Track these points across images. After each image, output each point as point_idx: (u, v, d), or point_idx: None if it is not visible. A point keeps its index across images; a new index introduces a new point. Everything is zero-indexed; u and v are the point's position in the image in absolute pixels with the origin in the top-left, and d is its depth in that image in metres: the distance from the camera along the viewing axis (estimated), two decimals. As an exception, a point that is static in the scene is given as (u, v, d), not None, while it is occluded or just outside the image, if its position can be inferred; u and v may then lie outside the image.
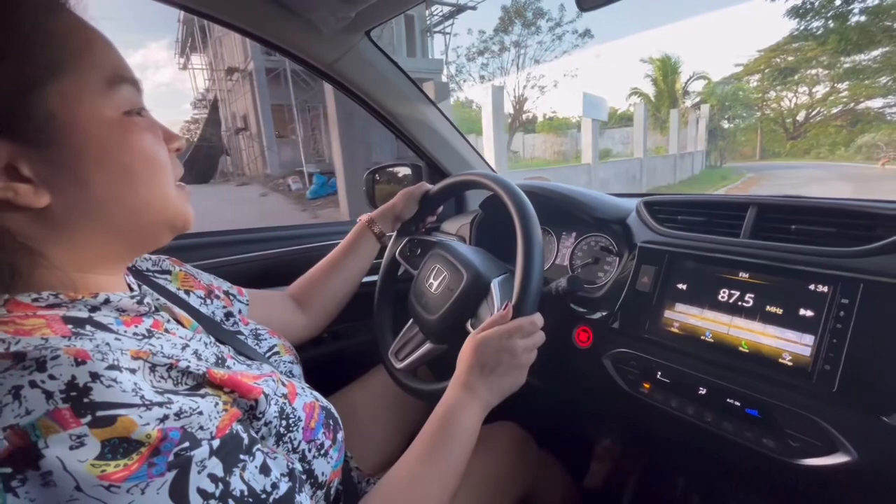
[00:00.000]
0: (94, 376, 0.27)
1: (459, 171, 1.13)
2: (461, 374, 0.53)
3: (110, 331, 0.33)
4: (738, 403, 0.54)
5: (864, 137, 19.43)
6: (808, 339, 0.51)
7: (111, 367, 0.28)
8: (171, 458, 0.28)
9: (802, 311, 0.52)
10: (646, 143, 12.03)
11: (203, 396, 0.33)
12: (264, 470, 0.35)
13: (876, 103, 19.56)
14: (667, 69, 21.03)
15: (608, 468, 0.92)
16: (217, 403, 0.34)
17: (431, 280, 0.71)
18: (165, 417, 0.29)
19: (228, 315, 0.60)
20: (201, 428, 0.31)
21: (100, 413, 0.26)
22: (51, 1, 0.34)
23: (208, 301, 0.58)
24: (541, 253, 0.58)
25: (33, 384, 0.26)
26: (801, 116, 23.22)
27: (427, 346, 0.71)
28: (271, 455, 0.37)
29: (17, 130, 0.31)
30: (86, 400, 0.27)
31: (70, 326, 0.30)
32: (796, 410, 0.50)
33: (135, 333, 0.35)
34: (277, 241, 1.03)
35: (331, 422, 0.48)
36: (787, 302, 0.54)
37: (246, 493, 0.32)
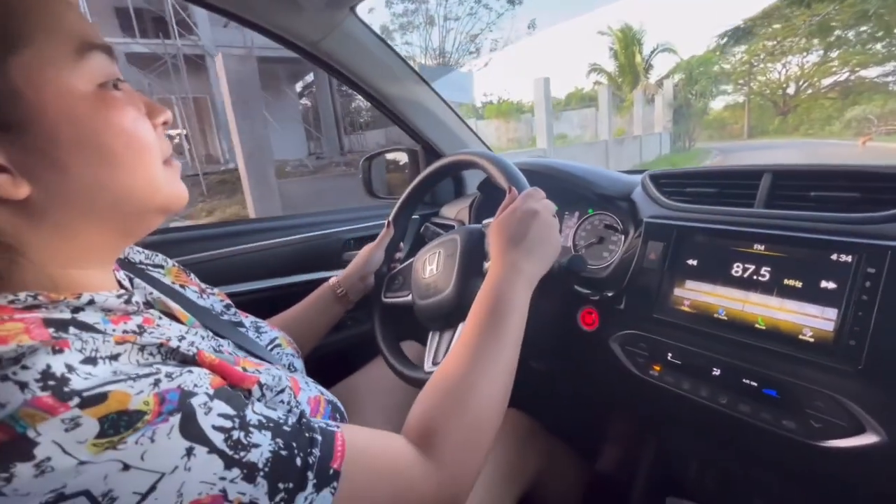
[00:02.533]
0: (70, 368, 0.25)
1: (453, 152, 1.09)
2: (496, 256, 0.50)
3: (96, 330, 0.30)
4: (754, 384, 0.51)
5: (854, 110, 17.61)
6: (831, 312, 0.47)
7: (87, 361, 0.27)
8: (174, 406, 0.27)
9: (824, 284, 0.48)
10: (611, 124, 11.54)
11: (191, 372, 0.31)
12: (270, 409, 0.33)
13: (871, 72, 17.84)
14: (627, 41, 18.65)
15: (619, 453, 0.90)
16: (208, 375, 0.32)
17: (429, 267, 0.68)
18: (157, 381, 0.28)
19: (228, 306, 0.57)
20: (196, 385, 0.29)
21: (87, 394, 0.25)
22: None
23: (204, 296, 0.56)
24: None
25: (4, 378, 0.24)
26: (791, 90, 21.41)
27: (459, 328, 0.63)
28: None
29: None
30: (66, 388, 0.25)
31: (51, 330, 0.28)
32: (818, 389, 0.47)
33: (124, 331, 0.33)
34: (273, 231, 1.00)
35: (337, 415, 0.46)
36: (807, 274, 0.50)
37: (263, 420, 0.31)
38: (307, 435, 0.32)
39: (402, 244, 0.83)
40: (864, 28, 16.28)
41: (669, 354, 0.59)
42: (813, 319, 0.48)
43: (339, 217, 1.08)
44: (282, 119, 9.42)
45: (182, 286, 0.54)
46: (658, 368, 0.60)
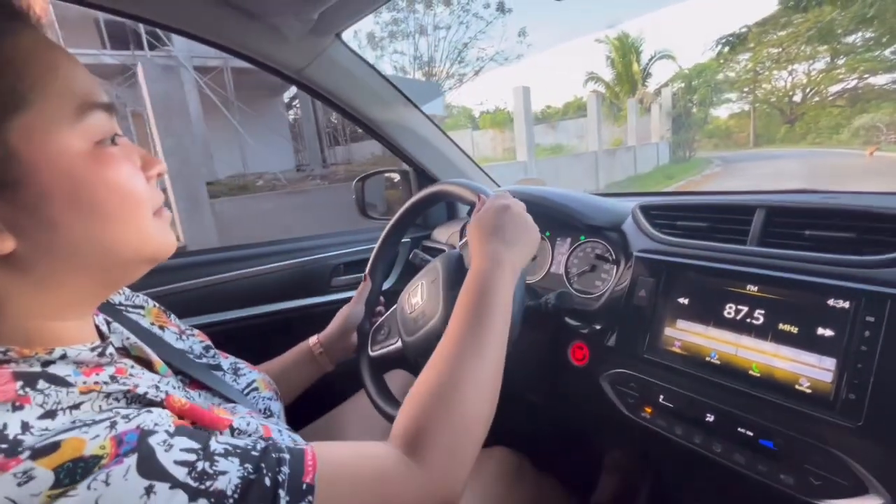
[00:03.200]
0: (25, 426, 0.25)
1: (445, 177, 1.08)
2: (477, 251, 0.50)
3: (66, 383, 0.29)
4: (750, 433, 0.48)
5: (863, 118, 17.20)
6: (829, 362, 0.45)
7: (46, 415, 0.26)
8: (131, 447, 0.26)
9: (821, 331, 0.46)
10: (600, 134, 11.11)
11: (150, 412, 0.30)
12: (236, 439, 0.32)
13: (880, 79, 17.54)
14: (625, 49, 17.90)
15: (612, 490, 0.87)
16: (169, 415, 0.30)
17: (413, 300, 0.66)
18: (114, 424, 0.27)
19: (207, 348, 0.56)
20: (156, 424, 0.28)
21: (39, 445, 0.24)
22: (11, 20, 0.30)
23: (183, 337, 0.55)
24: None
25: None
26: (797, 98, 21.05)
27: None
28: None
29: None
30: (18, 448, 0.24)
31: (19, 384, 0.27)
32: (817, 444, 0.44)
33: (95, 382, 0.32)
34: (261, 258, 0.98)
35: None
36: (803, 319, 0.47)
37: (230, 448, 0.30)
38: (274, 455, 0.31)
39: (381, 298, 0.80)
40: (869, 33, 15.94)
41: (661, 396, 0.56)
42: (810, 369, 0.46)
43: (328, 241, 1.06)
44: (264, 132, 9.26)
45: (161, 327, 0.53)
46: (650, 411, 0.58)
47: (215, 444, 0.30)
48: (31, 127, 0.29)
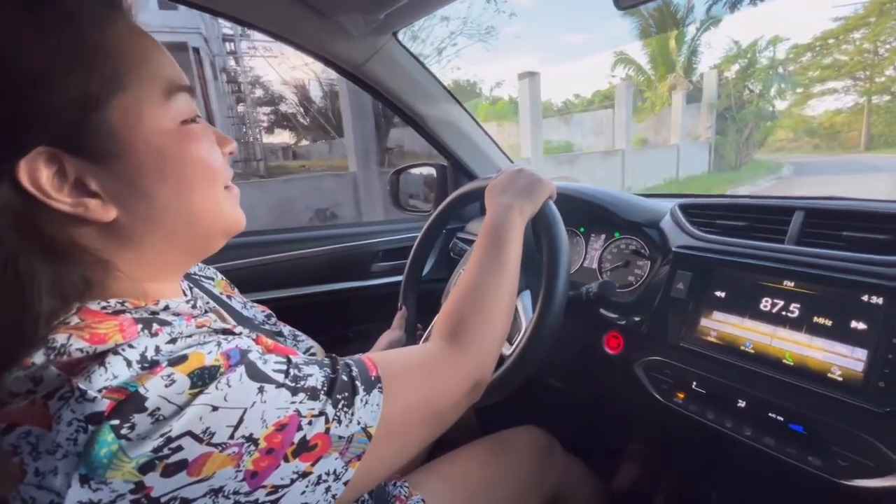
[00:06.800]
0: (157, 349, 0.30)
1: (483, 173, 1.12)
2: (489, 205, 0.61)
3: (173, 325, 0.35)
4: (781, 418, 0.52)
5: None
6: (861, 353, 0.48)
7: (171, 341, 0.31)
8: (237, 360, 0.32)
9: (854, 324, 0.49)
10: (629, 130, 9.39)
11: (241, 338, 0.35)
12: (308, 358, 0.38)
13: None
14: (664, 19, 11.97)
15: (638, 472, 0.90)
16: (255, 343, 0.36)
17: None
18: (220, 343, 0.32)
19: (269, 316, 0.62)
20: (248, 346, 0.34)
21: (172, 357, 0.30)
22: (108, 12, 0.34)
23: (247, 306, 0.60)
24: (566, 259, 0.57)
25: (115, 352, 0.29)
26: None
27: None
28: None
29: (82, 147, 0.32)
30: (158, 362, 0.29)
31: (139, 327, 0.32)
32: (846, 428, 0.47)
33: (194, 323, 0.37)
34: (307, 241, 1.04)
35: None
36: (837, 313, 0.51)
37: (307, 360, 0.36)
38: (342, 362, 0.38)
39: (419, 326, 0.84)
40: None
41: (694, 383, 0.60)
42: (842, 359, 0.49)
43: (370, 230, 1.12)
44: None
45: (228, 297, 0.59)
46: (682, 396, 0.61)
47: (296, 359, 0.36)
48: (128, 107, 0.33)
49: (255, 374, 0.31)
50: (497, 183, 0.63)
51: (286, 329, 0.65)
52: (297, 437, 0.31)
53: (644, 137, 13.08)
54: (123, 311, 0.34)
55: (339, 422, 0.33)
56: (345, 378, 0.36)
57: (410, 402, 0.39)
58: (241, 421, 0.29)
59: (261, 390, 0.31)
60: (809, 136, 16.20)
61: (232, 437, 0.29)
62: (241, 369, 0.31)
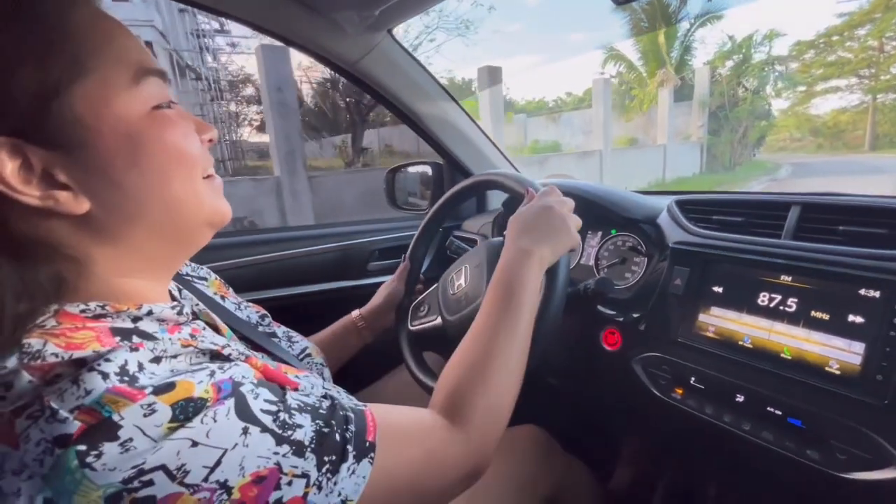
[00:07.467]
0: (140, 366, 0.29)
1: (479, 171, 1.12)
2: (509, 243, 0.54)
3: (155, 339, 0.33)
4: (779, 412, 0.52)
5: None
6: (858, 346, 0.48)
7: (154, 360, 0.30)
8: (227, 393, 0.30)
9: (851, 318, 0.49)
10: (608, 129, 9.06)
11: (238, 366, 0.34)
12: (304, 396, 0.36)
13: None
14: (655, 11, 11.75)
15: (636, 472, 0.90)
16: (251, 369, 0.34)
17: (457, 282, 0.70)
18: (212, 373, 0.31)
19: (263, 317, 0.61)
20: (243, 377, 0.32)
21: (158, 384, 0.28)
22: None
23: (242, 307, 0.59)
24: (566, 259, 0.57)
25: (90, 369, 0.27)
26: None
27: None
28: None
29: (46, 136, 0.30)
30: (138, 384, 0.28)
31: (118, 339, 0.30)
32: (844, 421, 0.48)
33: (179, 339, 0.35)
34: (303, 240, 1.04)
35: None
36: (834, 307, 0.51)
37: (302, 404, 0.33)
38: (341, 413, 0.35)
39: (421, 276, 0.85)
40: None
41: (692, 378, 0.60)
42: (840, 352, 0.50)
43: (366, 228, 1.11)
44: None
45: (222, 298, 0.58)
46: (680, 391, 0.61)
47: (290, 399, 0.33)
48: (93, 93, 0.31)
49: (243, 412, 0.30)
50: (522, 218, 0.56)
51: (280, 330, 0.64)
52: (273, 497, 0.29)
53: (633, 137, 12.97)
54: (104, 316, 0.32)
55: (320, 488, 0.31)
56: (337, 438, 0.33)
57: (398, 482, 0.36)
58: (218, 463, 0.27)
59: (245, 432, 0.29)
60: (813, 135, 15.84)
61: (206, 479, 0.27)
62: (231, 403, 0.29)
